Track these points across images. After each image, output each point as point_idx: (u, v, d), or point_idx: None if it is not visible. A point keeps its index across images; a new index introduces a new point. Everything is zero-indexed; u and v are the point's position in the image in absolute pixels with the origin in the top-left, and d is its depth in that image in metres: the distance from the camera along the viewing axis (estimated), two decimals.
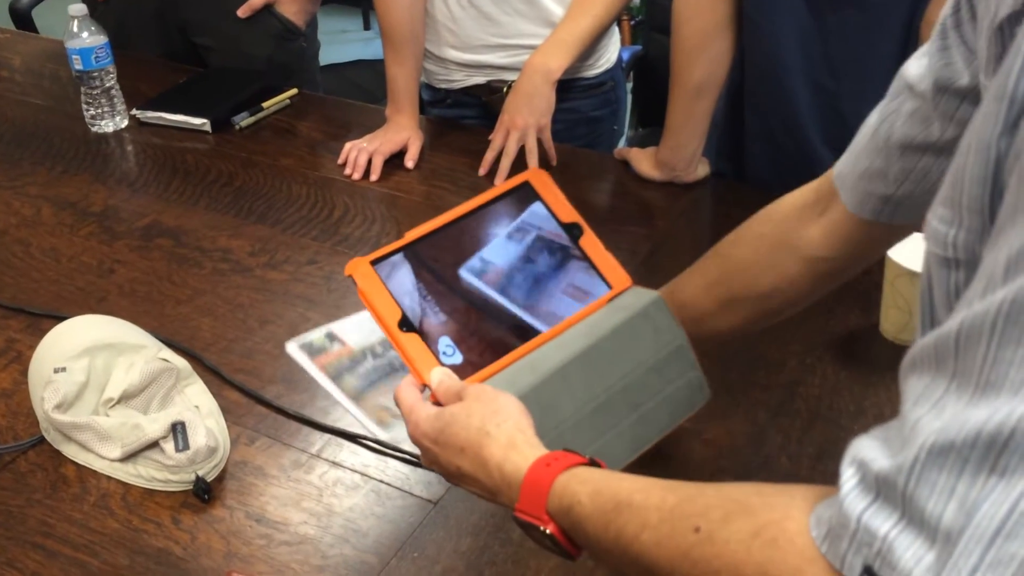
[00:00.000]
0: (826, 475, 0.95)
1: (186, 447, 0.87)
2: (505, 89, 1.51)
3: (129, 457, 0.90)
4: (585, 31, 1.45)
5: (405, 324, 0.72)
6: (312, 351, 1.05)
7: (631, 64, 2.09)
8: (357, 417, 0.95)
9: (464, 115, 1.61)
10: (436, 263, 0.75)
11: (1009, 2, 0.41)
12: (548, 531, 0.58)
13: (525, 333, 0.75)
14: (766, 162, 1.32)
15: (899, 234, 0.76)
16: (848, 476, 0.41)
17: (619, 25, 2.63)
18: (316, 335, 1.07)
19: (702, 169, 1.36)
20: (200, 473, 0.88)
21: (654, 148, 1.37)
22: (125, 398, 0.94)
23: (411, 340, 0.72)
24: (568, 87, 1.50)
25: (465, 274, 0.76)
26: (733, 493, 0.49)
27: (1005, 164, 0.40)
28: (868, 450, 0.41)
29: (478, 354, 0.73)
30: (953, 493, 0.36)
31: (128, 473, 0.90)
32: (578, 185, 1.41)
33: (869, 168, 0.70)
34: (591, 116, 1.59)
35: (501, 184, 0.80)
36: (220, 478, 0.89)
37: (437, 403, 0.69)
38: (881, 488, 0.39)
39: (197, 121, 1.55)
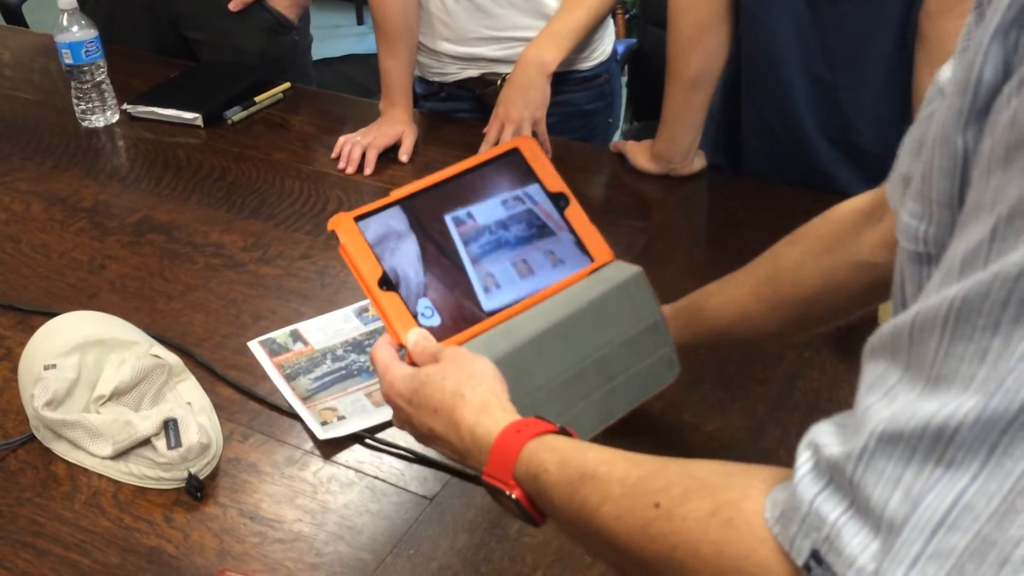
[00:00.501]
0: None
1: (178, 444, 0.86)
2: (499, 82, 1.50)
3: (120, 455, 0.89)
4: (580, 23, 1.44)
5: (385, 283, 0.72)
6: (273, 349, 1.04)
7: (626, 57, 2.08)
8: (303, 417, 0.94)
9: (458, 108, 1.60)
10: (420, 223, 0.75)
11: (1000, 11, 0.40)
12: (514, 496, 0.58)
13: (506, 298, 0.75)
14: (763, 154, 1.31)
15: None
16: (803, 460, 0.41)
17: (613, 18, 2.64)
18: (280, 333, 1.06)
19: (698, 162, 1.35)
20: (192, 470, 0.86)
21: (650, 141, 1.36)
22: (116, 395, 0.93)
23: (390, 299, 0.72)
24: (563, 80, 1.49)
25: (449, 223, 0.76)
26: (696, 470, 0.49)
27: (972, 157, 0.39)
28: (824, 435, 0.41)
29: (456, 318, 0.73)
30: (899, 482, 0.37)
31: (119, 471, 0.89)
32: (573, 178, 1.37)
33: (907, 175, 0.69)
34: (586, 109, 1.58)
35: (490, 149, 0.81)
36: (213, 475, 0.88)
37: (412, 364, 0.69)
38: (833, 474, 0.39)
39: (189, 116, 1.53)
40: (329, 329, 1.07)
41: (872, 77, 1.18)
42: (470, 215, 0.77)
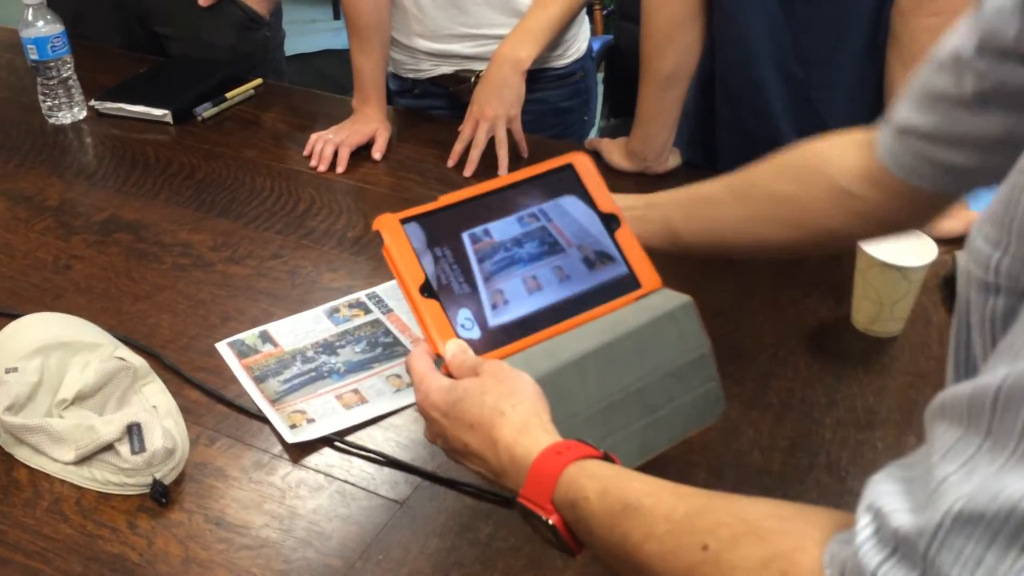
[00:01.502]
0: (798, 468, 0.94)
1: (142, 449, 0.84)
2: (473, 79, 1.48)
3: (83, 460, 0.87)
4: (554, 20, 1.43)
5: (427, 290, 0.71)
6: (242, 351, 1.02)
7: (602, 54, 2.07)
8: (271, 420, 0.93)
9: (432, 105, 1.58)
10: (479, 244, 0.75)
11: None
12: (551, 522, 0.56)
13: (547, 319, 0.74)
14: (737, 152, 1.30)
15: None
16: (864, 523, 0.39)
17: (591, 15, 2.63)
18: (249, 335, 1.04)
19: (673, 160, 1.34)
20: (157, 476, 0.85)
21: (625, 139, 1.35)
22: (80, 399, 0.91)
23: (430, 307, 0.70)
24: (537, 77, 1.48)
25: (465, 239, 0.75)
26: (747, 512, 0.47)
27: None
28: (887, 498, 0.39)
29: (497, 332, 0.72)
30: (980, 564, 0.35)
31: (82, 477, 0.87)
32: None
33: (906, 126, 0.67)
34: (561, 107, 1.57)
35: (544, 163, 0.79)
36: (179, 481, 0.87)
37: (449, 375, 0.67)
38: (900, 545, 0.37)
39: (158, 112, 1.51)
40: (299, 330, 1.05)
41: (845, 75, 1.18)
42: (487, 232, 0.76)
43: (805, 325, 1.05)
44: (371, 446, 0.90)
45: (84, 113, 1.54)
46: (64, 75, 1.50)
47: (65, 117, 1.52)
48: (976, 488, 0.35)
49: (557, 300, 0.75)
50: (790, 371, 0.99)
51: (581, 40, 1.57)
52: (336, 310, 1.09)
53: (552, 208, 0.78)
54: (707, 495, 0.50)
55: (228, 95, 1.57)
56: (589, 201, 0.79)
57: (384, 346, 1.03)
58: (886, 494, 0.39)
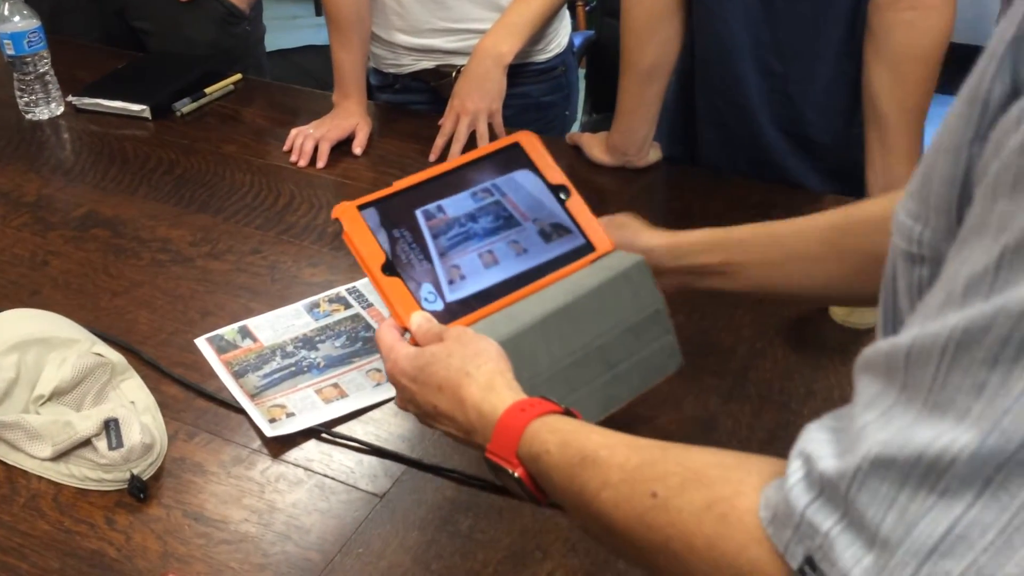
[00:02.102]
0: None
1: (120, 445, 0.84)
2: (454, 74, 1.48)
3: (61, 456, 0.86)
4: (535, 14, 1.43)
5: (388, 268, 0.74)
6: (221, 346, 1.02)
7: (584, 49, 2.07)
8: (251, 414, 0.92)
9: (413, 100, 1.58)
10: (432, 221, 0.77)
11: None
12: (516, 475, 0.59)
13: (506, 289, 0.77)
14: (718, 146, 1.31)
15: None
16: (795, 468, 0.42)
17: (573, 10, 2.63)
18: (228, 330, 1.04)
19: (654, 154, 1.34)
20: (135, 471, 0.84)
21: (605, 133, 1.35)
22: (57, 395, 0.91)
23: (393, 284, 0.73)
24: (519, 72, 1.48)
25: (419, 217, 0.77)
26: (694, 460, 0.50)
27: (975, 169, 0.39)
28: (815, 444, 0.42)
29: (459, 303, 0.75)
30: (894, 504, 0.37)
31: (60, 473, 0.86)
32: None
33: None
34: (542, 101, 1.57)
35: (492, 143, 0.83)
36: (157, 476, 0.86)
37: (416, 346, 0.70)
38: (825, 487, 0.40)
39: (136, 108, 1.50)
40: (279, 325, 1.05)
41: (822, 69, 1.19)
42: (440, 208, 0.78)
43: (783, 317, 1.06)
44: (354, 435, 0.90)
45: (62, 109, 1.53)
46: (41, 71, 1.49)
47: (42, 113, 1.51)
48: (891, 435, 0.38)
49: (515, 273, 0.78)
50: (768, 363, 1.00)
51: (562, 35, 1.57)
52: (316, 305, 1.08)
53: (505, 183, 0.81)
54: (660, 447, 0.52)
55: (207, 90, 1.56)
56: (539, 175, 0.82)
57: (364, 340, 1.02)
58: (815, 441, 0.42)
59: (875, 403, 0.39)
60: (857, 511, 0.38)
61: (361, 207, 0.75)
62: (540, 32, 1.48)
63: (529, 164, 0.82)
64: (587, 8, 2.49)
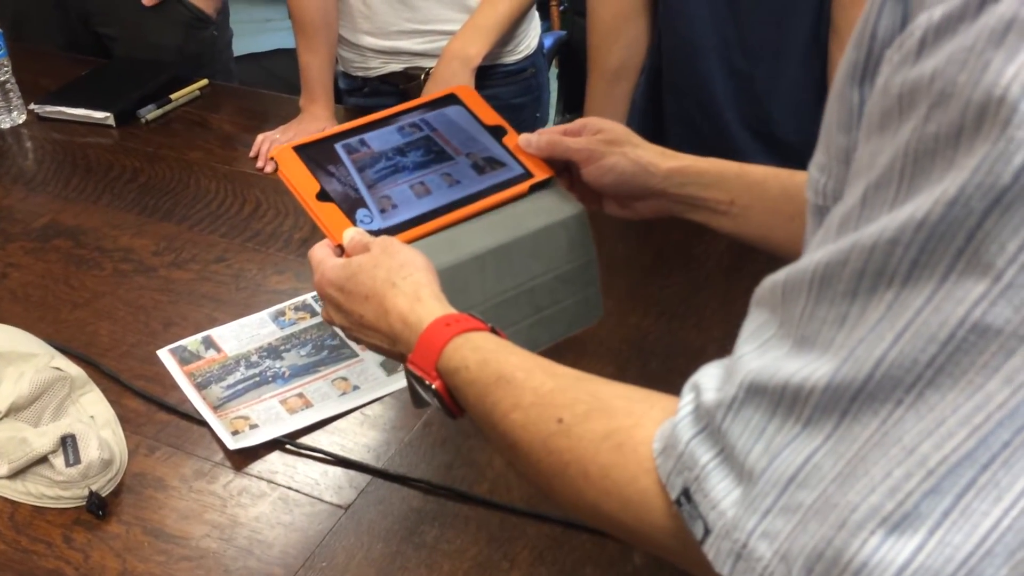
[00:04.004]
0: None
1: (77, 461, 0.82)
2: (423, 76, 1.47)
3: (17, 474, 0.84)
4: (503, 16, 1.42)
5: (323, 196, 0.75)
6: (184, 357, 1.00)
7: (556, 49, 2.07)
8: (213, 427, 0.91)
9: (382, 104, 1.55)
10: (356, 155, 0.79)
11: None
12: (434, 386, 0.59)
13: (442, 212, 0.77)
14: (687, 145, 1.28)
15: None
16: (686, 401, 0.43)
17: (547, 10, 2.62)
18: (191, 341, 1.02)
19: None
20: (94, 488, 0.83)
21: None
22: (14, 410, 0.89)
23: (327, 208, 0.75)
24: (488, 74, 1.46)
25: (339, 150, 0.79)
26: (604, 391, 0.50)
27: (863, 112, 0.39)
28: (706, 377, 0.43)
29: (394, 227, 0.75)
30: (762, 434, 0.38)
31: (16, 491, 0.84)
32: None
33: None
34: (512, 103, 1.55)
35: (429, 94, 0.84)
36: (116, 492, 0.85)
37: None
38: (707, 420, 0.41)
39: (99, 115, 1.47)
40: (243, 335, 1.03)
41: (789, 68, 1.18)
42: (363, 142, 0.79)
43: None
44: (319, 445, 0.88)
45: (24, 117, 1.50)
46: (1, 78, 1.47)
47: (3, 122, 1.48)
48: (763, 365, 0.39)
49: (449, 202, 0.77)
50: None
51: (531, 36, 1.56)
52: (281, 313, 1.07)
53: (436, 118, 0.82)
54: (576, 376, 0.53)
55: (172, 96, 1.53)
56: (474, 116, 0.83)
57: (330, 349, 1.01)
58: (706, 374, 0.43)
59: (755, 335, 0.40)
60: (730, 442, 0.39)
61: (297, 148, 0.78)
62: (509, 34, 1.47)
63: (464, 107, 0.83)
64: (561, 8, 2.49)
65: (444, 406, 0.60)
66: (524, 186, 0.79)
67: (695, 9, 1.17)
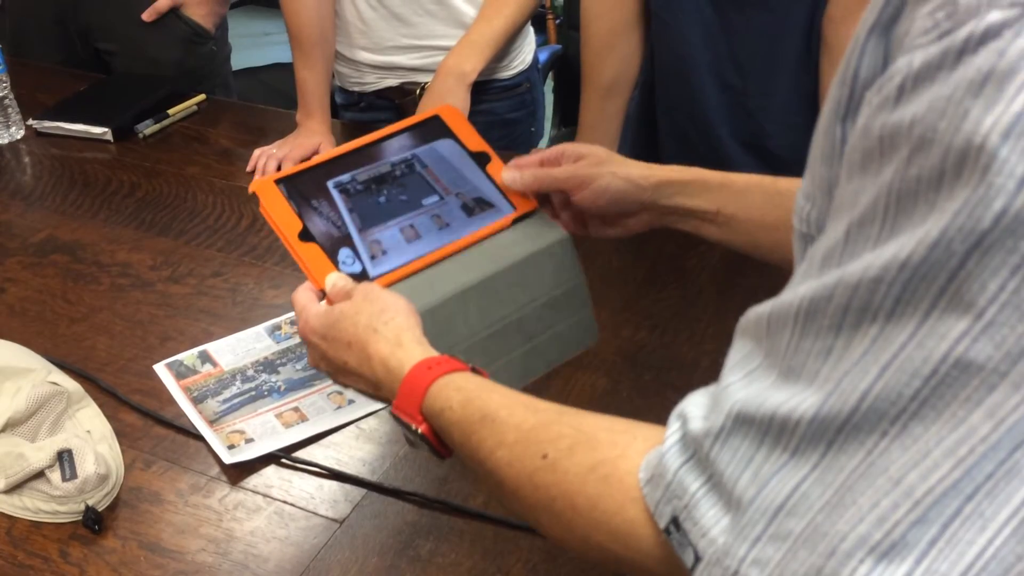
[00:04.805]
0: None
1: (74, 476, 0.83)
2: (418, 91, 1.48)
3: (14, 489, 0.85)
4: (498, 32, 1.43)
5: (305, 235, 0.74)
6: (180, 372, 1.01)
7: (551, 63, 2.08)
8: (209, 441, 0.91)
9: (378, 119, 1.58)
10: (339, 181, 0.77)
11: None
12: (420, 430, 0.60)
13: (427, 246, 0.76)
14: (680, 159, 1.29)
15: None
16: (673, 430, 0.43)
17: (544, 24, 2.64)
18: (187, 355, 1.03)
19: None
20: (90, 502, 0.83)
21: None
22: (11, 426, 0.89)
23: (309, 249, 0.74)
24: (483, 89, 1.47)
25: (332, 189, 0.77)
26: (587, 424, 0.51)
27: (845, 148, 0.40)
28: (692, 406, 0.43)
29: (378, 265, 0.75)
30: (750, 463, 0.39)
31: (13, 506, 0.85)
32: None
33: None
34: (508, 118, 1.56)
35: (412, 117, 0.82)
36: (113, 507, 0.85)
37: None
38: (695, 448, 0.42)
39: (97, 130, 1.48)
40: (240, 349, 1.04)
41: (781, 83, 1.20)
42: (355, 181, 0.78)
43: None
44: (314, 460, 0.89)
45: (22, 133, 1.51)
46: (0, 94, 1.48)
47: (1, 137, 1.49)
48: (751, 395, 0.39)
49: (437, 246, 0.77)
50: None
51: (526, 51, 1.57)
52: (278, 327, 1.07)
53: (426, 153, 0.81)
54: (557, 410, 0.53)
55: (170, 111, 1.55)
56: (460, 143, 0.81)
57: None
58: (692, 403, 0.43)
59: (741, 365, 0.41)
60: (719, 470, 0.40)
61: (278, 181, 0.76)
62: (504, 49, 1.48)
63: (449, 134, 0.82)
64: (557, 21, 2.51)
65: (432, 448, 0.61)
66: (507, 220, 0.78)
67: (687, 25, 1.19)
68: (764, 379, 0.39)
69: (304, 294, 0.72)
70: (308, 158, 1.40)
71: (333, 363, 0.68)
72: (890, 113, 0.36)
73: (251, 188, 0.75)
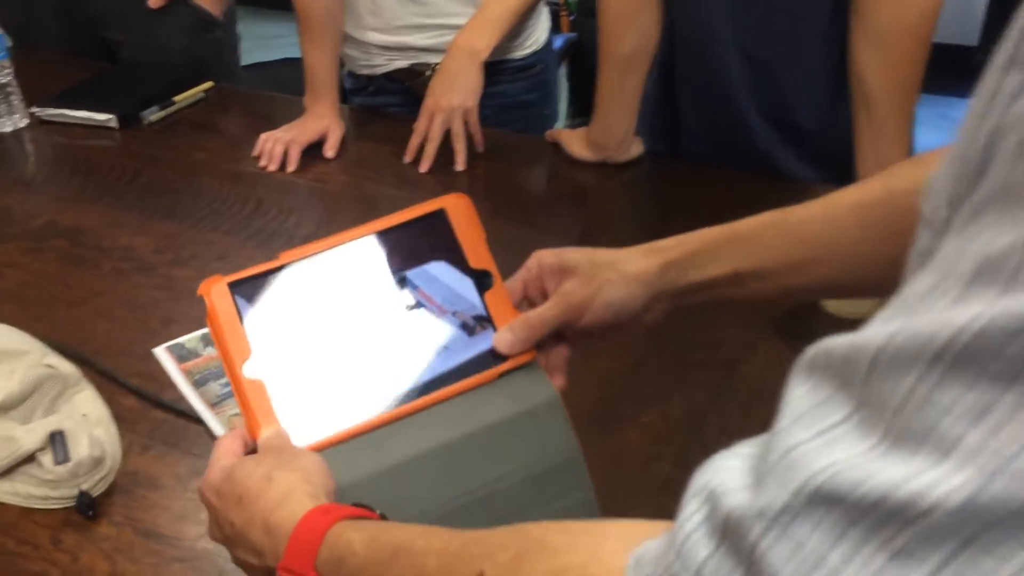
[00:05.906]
0: None
1: (66, 459, 0.79)
2: (429, 72, 1.44)
3: (4, 474, 0.81)
4: (510, 9, 1.39)
5: (252, 368, 0.61)
6: (182, 355, 0.96)
7: (565, 51, 2.04)
8: (209, 424, 0.87)
9: (388, 103, 1.54)
10: (306, 295, 0.63)
11: None
12: None
13: (395, 401, 0.61)
14: (702, 136, 1.27)
15: None
16: (691, 510, 0.32)
17: (556, 18, 2.60)
18: (189, 338, 0.98)
19: (635, 148, 1.30)
20: (84, 487, 0.79)
21: (585, 128, 1.31)
22: (4, 408, 0.85)
23: (255, 388, 0.60)
24: (496, 69, 1.43)
25: (323, 313, 0.63)
26: (531, 531, 0.41)
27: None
28: (724, 474, 0.32)
29: (331, 413, 0.61)
30: (822, 562, 0.27)
31: (3, 491, 0.81)
32: (508, 170, 1.34)
33: None
34: (521, 100, 1.52)
35: (411, 208, 0.66)
36: (108, 492, 0.81)
37: None
38: (729, 532, 0.30)
39: (102, 117, 1.45)
40: None
41: (807, 55, 1.15)
42: (350, 298, 0.64)
43: (772, 309, 1.01)
44: None
45: (26, 121, 1.48)
46: (2, 81, 1.45)
47: (4, 125, 1.46)
48: (840, 466, 0.27)
49: (418, 383, 0.62)
50: (760, 356, 0.95)
51: (540, 31, 1.53)
52: None
53: (417, 275, 0.65)
54: (493, 529, 0.43)
55: (176, 98, 1.51)
56: (459, 255, 0.66)
57: None
58: (724, 470, 0.31)
59: (813, 417, 0.29)
60: (768, 565, 0.28)
61: (233, 284, 0.62)
62: (517, 28, 1.43)
63: (450, 239, 0.66)
64: (571, 18, 2.46)
65: None
66: (495, 372, 0.63)
67: None
68: (855, 443, 0.28)
69: (228, 441, 0.59)
70: (316, 142, 1.37)
71: (222, 528, 0.55)
72: None
73: (200, 290, 0.62)
